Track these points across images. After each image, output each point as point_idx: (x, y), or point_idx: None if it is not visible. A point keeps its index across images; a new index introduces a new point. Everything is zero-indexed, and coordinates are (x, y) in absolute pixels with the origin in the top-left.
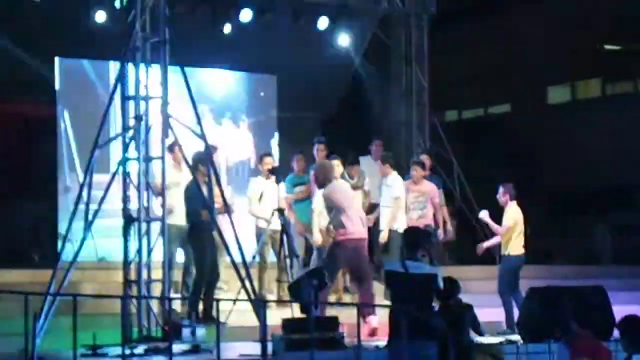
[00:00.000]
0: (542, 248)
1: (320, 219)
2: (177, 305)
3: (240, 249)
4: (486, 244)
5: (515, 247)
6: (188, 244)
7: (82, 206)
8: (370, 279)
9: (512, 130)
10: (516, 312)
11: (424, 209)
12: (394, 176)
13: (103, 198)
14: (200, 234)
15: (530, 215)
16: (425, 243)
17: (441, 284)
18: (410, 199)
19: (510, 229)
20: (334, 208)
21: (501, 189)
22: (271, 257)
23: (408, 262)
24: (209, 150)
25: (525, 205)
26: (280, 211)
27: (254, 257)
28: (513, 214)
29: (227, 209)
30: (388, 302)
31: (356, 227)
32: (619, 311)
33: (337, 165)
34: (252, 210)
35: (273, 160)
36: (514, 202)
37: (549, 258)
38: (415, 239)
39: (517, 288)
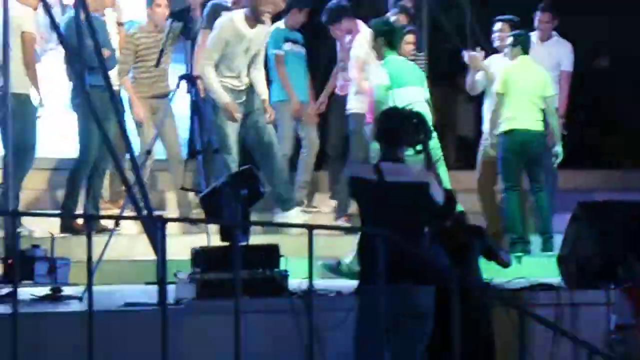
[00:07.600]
0: (597, 145)
1: None
2: None
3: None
4: None
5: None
6: None
7: None
8: None
9: None
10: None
11: None
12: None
13: None
14: None
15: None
16: (415, 133)
17: (439, 198)
18: None
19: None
20: None
21: None
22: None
23: (384, 165)
24: None
25: None
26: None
27: (149, 152)
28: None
29: None
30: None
31: None
32: None
33: None
34: None
35: None
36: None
37: (609, 159)
38: (394, 127)
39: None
